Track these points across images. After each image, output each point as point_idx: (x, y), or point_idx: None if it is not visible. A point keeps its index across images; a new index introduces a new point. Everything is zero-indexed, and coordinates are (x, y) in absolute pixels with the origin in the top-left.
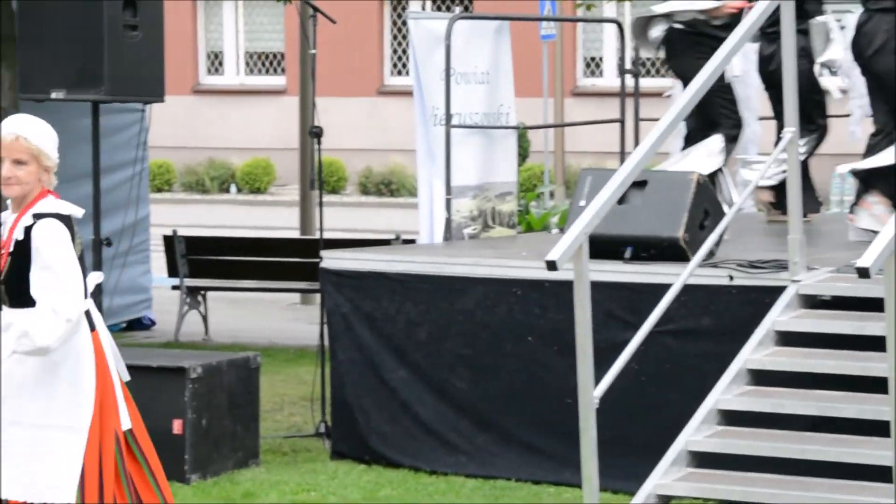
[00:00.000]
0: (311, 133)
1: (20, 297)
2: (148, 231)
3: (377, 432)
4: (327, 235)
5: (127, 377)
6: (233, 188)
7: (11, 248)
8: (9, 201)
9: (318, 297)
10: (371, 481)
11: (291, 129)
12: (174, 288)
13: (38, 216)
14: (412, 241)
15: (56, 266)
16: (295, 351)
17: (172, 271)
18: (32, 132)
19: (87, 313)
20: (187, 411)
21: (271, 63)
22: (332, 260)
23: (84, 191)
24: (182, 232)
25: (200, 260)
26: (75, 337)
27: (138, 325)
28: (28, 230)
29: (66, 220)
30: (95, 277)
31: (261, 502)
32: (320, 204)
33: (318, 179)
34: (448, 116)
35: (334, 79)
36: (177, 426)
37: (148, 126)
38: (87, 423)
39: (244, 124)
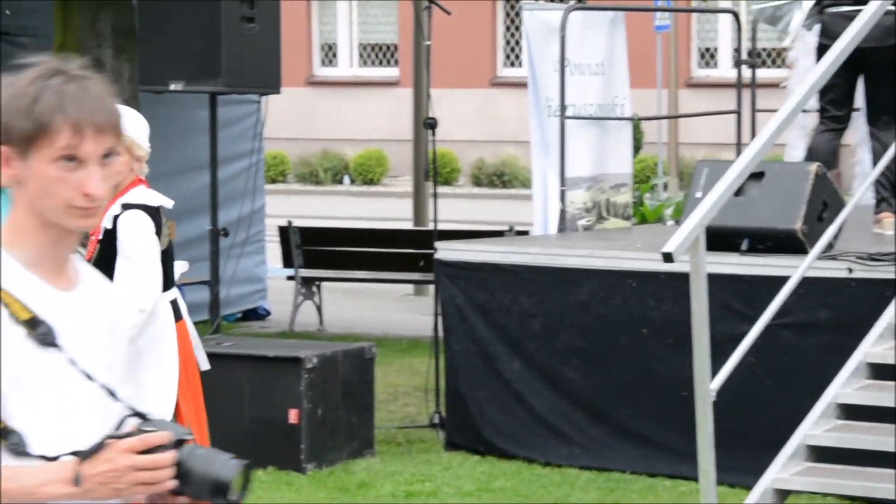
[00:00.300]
0: (426, 124)
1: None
2: (263, 222)
3: (491, 423)
4: (440, 227)
5: (205, 366)
6: (346, 179)
7: (100, 236)
8: None
9: (431, 287)
10: (485, 472)
11: (405, 121)
12: (289, 278)
13: (126, 206)
14: (525, 233)
15: (136, 257)
16: (408, 341)
17: (287, 262)
18: (128, 124)
19: (174, 303)
20: (303, 401)
21: (384, 55)
22: (446, 251)
23: (201, 181)
24: (297, 223)
25: (315, 251)
26: (159, 326)
27: (253, 315)
28: (116, 219)
29: (154, 211)
30: (180, 267)
31: (375, 492)
32: (434, 195)
33: (433, 171)
34: (562, 107)
35: (447, 70)
36: (293, 416)
37: (264, 118)
38: (170, 410)
39: (357, 116)
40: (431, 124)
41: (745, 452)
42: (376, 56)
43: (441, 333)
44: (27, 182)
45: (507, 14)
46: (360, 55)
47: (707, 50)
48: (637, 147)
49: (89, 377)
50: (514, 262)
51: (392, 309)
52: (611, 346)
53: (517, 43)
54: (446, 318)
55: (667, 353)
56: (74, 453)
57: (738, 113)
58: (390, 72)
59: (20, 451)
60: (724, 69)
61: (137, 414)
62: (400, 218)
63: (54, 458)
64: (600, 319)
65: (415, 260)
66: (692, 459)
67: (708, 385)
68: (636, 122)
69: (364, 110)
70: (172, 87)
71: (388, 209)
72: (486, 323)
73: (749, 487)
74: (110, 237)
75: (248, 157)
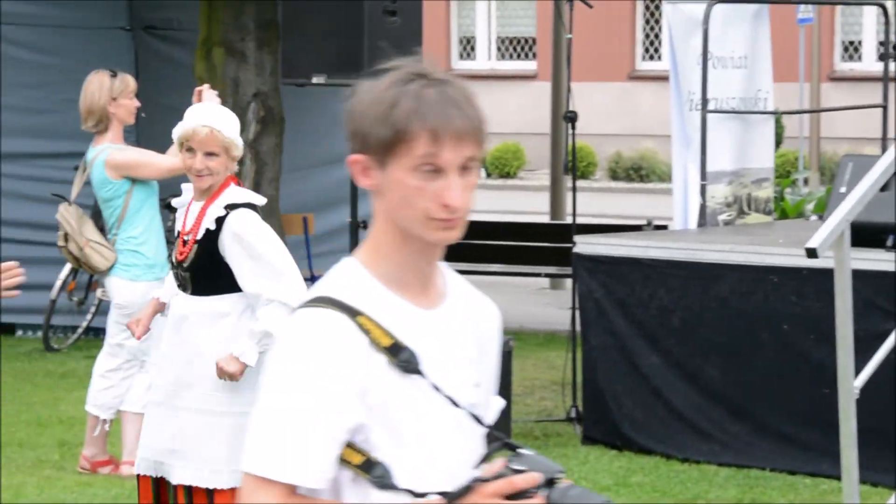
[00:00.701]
0: (566, 118)
1: (203, 284)
2: None
3: (629, 418)
4: (578, 221)
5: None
6: (482, 172)
7: (199, 236)
8: (185, 187)
9: (567, 281)
10: (622, 467)
11: (542, 114)
12: None
13: (231, 206)
14: (664, 227)
15: (268, 254)
16: (545, 335)
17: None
18: (224, 124)
19: None
20: None
21: (522, 48)
22: (585, 245)
23: (340, 174)
24: None
25: (452, 244)
26: None
27: None
28: (220, 220)
29: (256, 209)
30: None
31: None
32: (573, 189)
33: (573, 164)
34: (704, 101)
35: (585, 64)
36: None
37: None
38: None
39: (495, 109)
40: (572, 118)
41: (889, 452)
42: (514, 49)
43: (578, 327)
44: (386, 192)
45: (647, 7)
46: (499, 48)
47: (851, 43)
48: (778, 141)
49: (454, 403)
50: (653, 257)
51: (528, 303)
52: (751, 342)
53: (656, 36)
54: (584, 312)
55: (808, 350)
56: (442, 494)
57: (885, 107)
58: (528, 65)
59: (386, 484)
60: (868, 62)
61: (507, 444)
62: (536, 211)
63: (421, 494)
64: (740, 315)
65: (551, 253)
66: (834, 457)
67: (851, 382)
68: (777, 116)
69: (501, 104)
70: (315, 80)
71: (524, 203)
72: (624, 317)
73: (892, 487)
74: (212, 239)
75: None
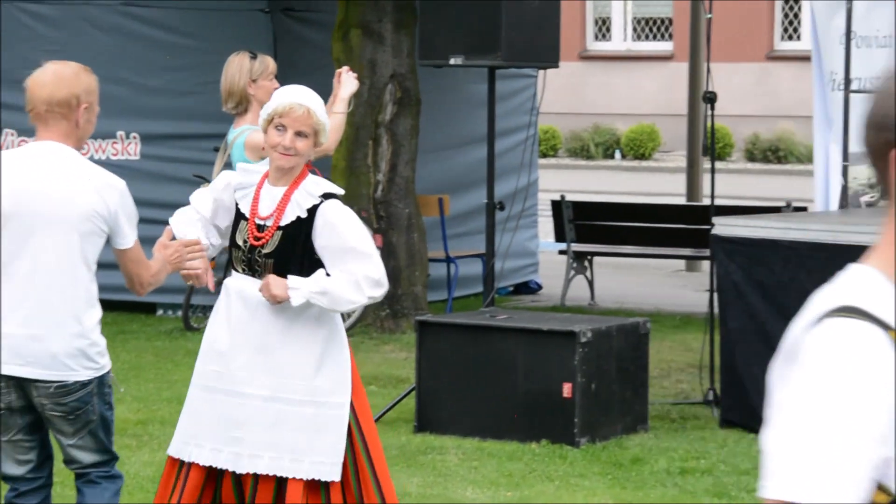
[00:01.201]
0: (706, 98)
1: (284, 271)
2: (536, 196)
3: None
4: (715, 202)
5: None
6: (617, 154)
7: (285, 223)
8: (243, 167)
9: (703, 263)
10: (761, 451)
11: (678, 95)
12: (561, 253)
13: (327, 196)
14: (803, 209)
15: (360, 244)
16: (681, 317)
17: (559, 236)
18: (318, 106)
19: None
20: (577, 375)
21: (658, 28)
22: (723, 227)
23: (476, 155)
24: (569, 197)
25: (587, 225)
26: (339, 316)
27: (525, 288)
28: (314, 210)
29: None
30: None
31: (649, 468)
32: (712, 170)
33: (711, 145)
34: (847, 81)
35: (722, 44)
36: (566, 389)
37: (542, 92)
38: (348, 400)
39: (630, 90)
40: (711, 98)
41: None
42: (650, 30)
43: (716, 309)
44: None
45: None
46: (634, 29)
47: None
48: None
49: None
50: (793, 239)
51: (664, 284)
52: None
53: (795, 16)
54: (722, 294)
55: None
56: None
57: None
58: (664, 46)
59: None
60: None
61: None
62: (671, 193)
63: None
64: None
65: (688, 235)
66: None
67: None
68: None
69: (637, 84)
70: (452, 61)
71: (659, 184)
72: (763, 300)
73: None
74: (301, 227)
75: (522, 131)
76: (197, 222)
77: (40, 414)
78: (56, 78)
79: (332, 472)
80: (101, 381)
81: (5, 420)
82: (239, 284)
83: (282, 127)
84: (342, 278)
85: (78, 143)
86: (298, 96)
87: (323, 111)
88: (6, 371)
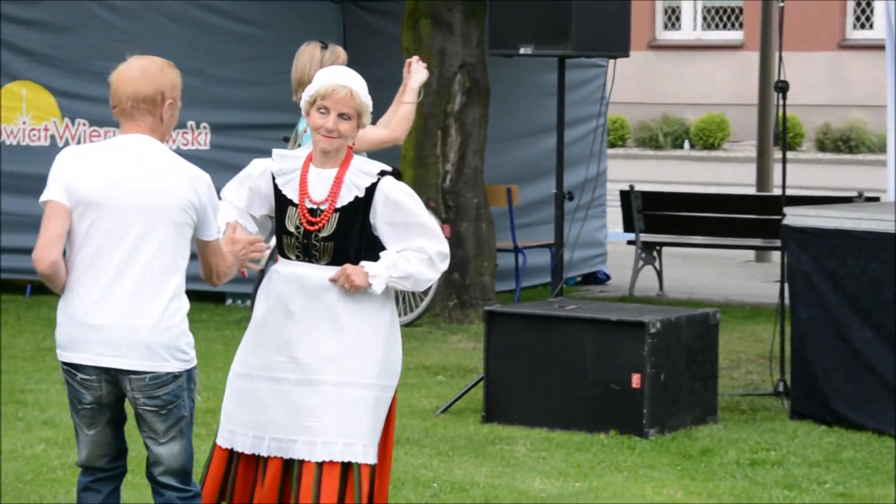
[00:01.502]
0: (777, 87)
1: (344, 253)
2: (605, 186)
3: (839, 393)
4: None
5: None
6: (686, 144)
7: (341, 204)
8: (279, 153)
9: (773, 254)
10: (832, 443)
11: (749, 85)
12: (629, 243)
13: (383, 172)
14: (875, 199)
15: (422, 217)
16: (751, 308)
17: (628, 226)
18: (361, 88)
19: None
20: (646, 366)
21: (729, 17)
22: (795, 217)
23: (545, 145)
24: (637, 187)
25: (656, 215)
26: (392, 301)
27: (593, 279)
28: (371, 188)
29: None
30: None
31: (719, 459)
32: (783, 160)
33: (782, 135)
34: None
35: (794, 33)
36: (635, 380)
37: (612, 82)
38: (395, 384)
39: (699, 80)
40: (783, 87)
41: None
42: (720, 19)
43: (786, 300)
44: None
45: None
46: (704, 18)
47: None
48: None
49: None
50: (866, 229)
51: (733, 275)
52: None
53: (868, 4)
54: (793, 285)
55: None
56: None
57: None
58: (734, 35)
59: None
60: None
61: None
62: (740, 183)
63: None
64: None
65: (758, 226)
66: None
67: None
68: None
69: (706, 74)
70: (522, 51)
71: (728, 174)
72: (835, 291)
73: None
74: (359, 207)
75: (590, 121)
76: (233, 210)
77: (133, 410)
78: (141, 74)
79: (373, 455)
80: (190, 376)
81: (94, 413)
82: (295, 271)
83: (324, 109)
84: (416, 257)
85: (162, 137)
86: (341, 77)
87: (366, 92)
88: (101, 363)
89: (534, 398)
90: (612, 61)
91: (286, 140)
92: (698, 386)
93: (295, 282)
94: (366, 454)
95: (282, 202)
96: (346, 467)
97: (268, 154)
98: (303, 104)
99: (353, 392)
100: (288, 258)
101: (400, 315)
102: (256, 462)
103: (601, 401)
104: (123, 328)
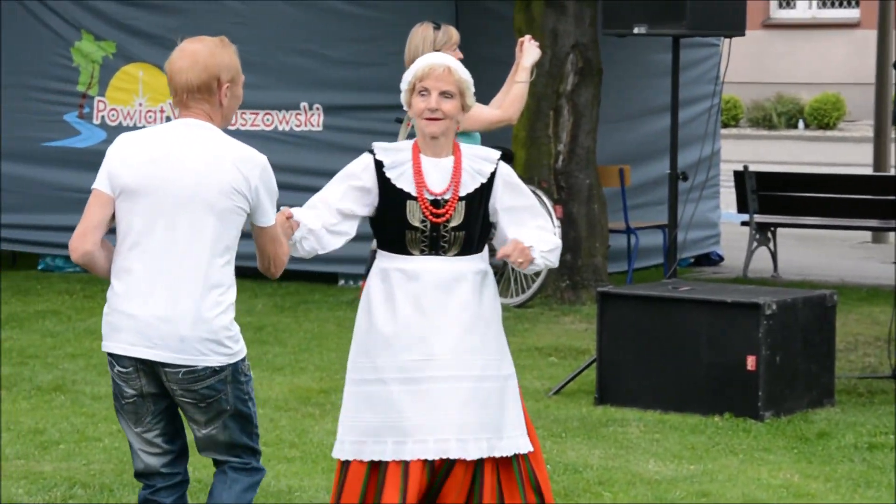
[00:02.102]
0: None
1: (471, 243)
2: (718, 166)
3: None
4: None
5: None
6: (800, 124)
7: (465, 192)
8: (380, 146)
9: (890, 235)
10: None
11: (865, 64)
12: (743, 224)
13: (505, 156)
14: None
15: (536, 203)
16: (867, 290)
17: (742, 207)
18: (458, 65)
19: None
20: (761, 348)
21: None
22: None
23: (657, 125)
24: (751, 168)
25: (771, 196)
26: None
27: (706, 260)
28: (494, 174)
29: None
30: None
31: (836, 442)
32: None
33: None
34: None
35: None
36: (750, 362)
37: (727, 61)
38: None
39: (814, 59)
40: None
41: None
42: None
43: None
44: None
45: None
46: None
47: None
48: None
49: None
50: None
51: (849, 256)
52: None
53: None
54: None
55: None
56: None
57: None
58: (850, 13)
59: None
60: None
61: None
62: (857, 163)
63: None
64: None
65: (874, 206)
66: None
67: None
68: None
69: (822, 53)
70: (636, 30)
71: (844, 154)
72: None
73: None
74: (482, 193)
75: (703, 101)
76: (319, 204)
77: (173, 400)
78: (192, 62)
79: (527, 443)
80: (236, 370)
81: (137, 407)
82: (424, 266)
83: (425, 91)
84: (545, 236)
85: (223, 121)
86: (436, 57)
87: (464, 70)
88: (134, 354)
89: (647, 380)
90: (726, 40)
91: (399, 121)
92: (815, 368)
93: (426, 277)
94: (526, 443)
95: (397, 196)
96: (511, 460)
97: (380, 135)
98: (403, 96)
99: (498, 384)
100: (409, 254)
101: (511, 296)
102: (380, 468)
103: (716, 382)
104: (158, 319)
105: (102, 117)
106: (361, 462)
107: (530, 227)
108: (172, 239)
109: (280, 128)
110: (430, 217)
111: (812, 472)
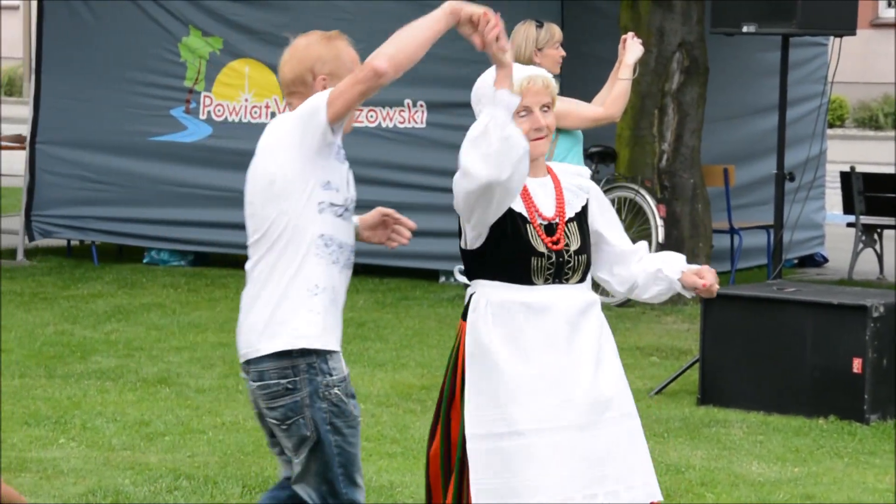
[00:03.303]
0: None
1: (588, 265)
2: (824, 167)
3: None
4: None
5: None
6: None
7: (571, 213)
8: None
9: None
10: None
11: None
12: (849, 225)
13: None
14: None
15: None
16: None
17: (848, 208)
18: (547, 73)
19: None
20: (868, 350)
21: None
22: None
23: (763, 125)
24: (858, 169)
25: (878, 197)
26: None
27: (810, 261)
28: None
29: None
30: None
31: None
32: None
33: None
34: None
35: None
36: (856, 365)
37: (836, 60)
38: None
39: None
40: None
41: None
42: None
43: None
44: None
45: None
46: None
47: None
48: None
49: None
50: None
51: None
52: None
53: None
54: None
55: None
56: None
57: None
58: None
59: None
60: None
61: None
62: None
63: None
64: None
65: None
66: None
67: None
68: None
69: None
70: (745, 28)
71: None
72: None
73: None
74: (584, 214)
75: (809, 101)
76: None
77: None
78: (290, 55)
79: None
80: (315, 393)
81: (261, 422)
82: (550, 297)
83: (525, 110)
84: (653, 255)
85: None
86: (529, 69)
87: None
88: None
89: (751, 381)
90: (835, 40)
91: None
92: None
93: (555, 310)
94: (658, 491)
95: (514, 220)
96: None
97: None
98: None
99: (629, 424)
100: (532, 283)
101: (612, 294)
102: None
103: (821, 385)
104: (241, 327)
105: (209, 112)
106: None
107: (637, 246)
108: (254, 242)
109: (383, 124)
110: (549, 244)
111: None
